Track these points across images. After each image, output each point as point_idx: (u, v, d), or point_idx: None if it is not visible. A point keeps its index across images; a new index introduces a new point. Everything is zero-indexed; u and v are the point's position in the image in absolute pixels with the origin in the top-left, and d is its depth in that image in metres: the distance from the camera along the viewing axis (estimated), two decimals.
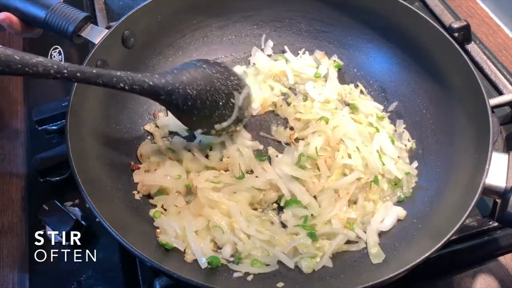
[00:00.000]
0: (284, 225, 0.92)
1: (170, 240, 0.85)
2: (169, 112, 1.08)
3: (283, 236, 0.88)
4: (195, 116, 0.89)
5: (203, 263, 0.82)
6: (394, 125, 1.04)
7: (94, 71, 0.75)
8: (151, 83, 0.81)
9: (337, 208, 0.90)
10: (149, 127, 1.05)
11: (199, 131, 0.93)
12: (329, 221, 0.89)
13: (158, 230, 0.87)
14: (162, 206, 0.92)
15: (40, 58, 0.70)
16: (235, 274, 0.83)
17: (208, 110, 0.90)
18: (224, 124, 0.93)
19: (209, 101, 0.89)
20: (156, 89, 0.82)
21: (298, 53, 1.16)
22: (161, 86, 0.83)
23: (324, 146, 0.97)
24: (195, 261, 0.84)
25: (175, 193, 0.93)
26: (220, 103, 0.91)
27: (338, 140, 0.97)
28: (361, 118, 1.03)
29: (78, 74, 0.73)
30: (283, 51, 1.17)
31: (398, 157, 0.98)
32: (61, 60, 1.21)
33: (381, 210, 0.91)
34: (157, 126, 1.06)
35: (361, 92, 1.10)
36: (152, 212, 0.91)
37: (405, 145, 1.00)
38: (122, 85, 0.78)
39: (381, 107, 1.07)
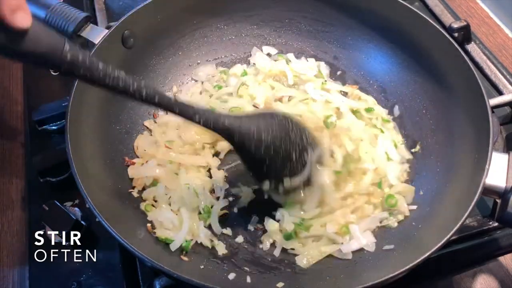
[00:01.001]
0: None
1: (169, 235, 0.86)
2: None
3: None
4: (265, 165, 0.83)
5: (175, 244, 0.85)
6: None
7: (172, 100, 0.74)
8: (226, 122, 0.78)
9: (339, 214, 0.90)
10: (148, 123, 1.05)
11: (267, 184, 0.86)
12: (324, 224, 0.89)
13: (148, 225, 0.88)
14: (153, 199, 0.93)
15: (122, 73, 0.69)
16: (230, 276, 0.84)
17: (280, 161, 0.83)
18: (295, 180, 0.85)
19: (282, 150, 0.82)
20: (231, 130, 0.79)
21: (300, 57, 1.16)
22: (236, 127, 0.79)
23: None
24: (195, 261, 0.85)
25: (164, 184, 0.94)
26: (293, 156, 0.83)
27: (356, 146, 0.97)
28: (365, 120, 1.03)
29: (156, 98, 0.71)
30: (283, 51, 1.17)
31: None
32: None
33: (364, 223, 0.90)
34: (155, 122, 1.06)
35: (362, 91, 1.10)
36: (143, 206, 0.91)
37: (410, 156, 0.99)
38: (197, 118, 0.75)
39: (386, 111, 1.07)
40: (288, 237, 0.88)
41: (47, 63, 0.64)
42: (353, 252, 0.87)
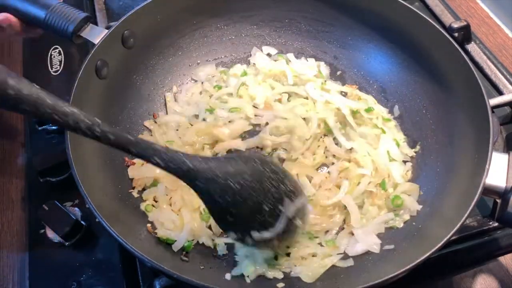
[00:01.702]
0: None
1: (170, 235, 0.86)
2: (169, 111, 1.08)
3: None
4: (231, 215, 0.75)
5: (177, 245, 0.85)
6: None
7: (130, 138, 0.68)
8: (190, 165, 0.71)
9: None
10: (148, 123, 1.05)
11: (232, 234, 0.78)
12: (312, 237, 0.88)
13: (149, 225, 0.88)
14: (154, 199, 0.93)
15: (74, 109, 0.64)
16: (234, 273, 0.84)
17: (248, 212, 0.74)
18: (265, 234, 0.76)
19: (252, 201, 0.74)
20: (194, 173, 0.71)
21: (300, 57, 1.16)
22: (201, 171, 0.71)
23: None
24: (196, 261, 0.85)
25: (164, 184, 0.94)
26: (266, 208, 0.74)
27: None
28: (367, 120, 1.03)
29: (111, 137, 0.67)
30: (283, 51, 1.17)
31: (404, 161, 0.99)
32: (61, 61, 1.22)
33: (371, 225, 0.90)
34: (155, 122, 1.06)
35: (361, 91, 1.10)
36: (143, 206, 0.91)
37: (413, 153, 0.99)
38: (156, 160, 0.69)
39: (386, 110, 1.07)
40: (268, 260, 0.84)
41: None
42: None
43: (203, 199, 0.76)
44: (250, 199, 0.74)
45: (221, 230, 0.90)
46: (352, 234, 0.89)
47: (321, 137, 1.02)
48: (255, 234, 0.76)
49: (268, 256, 0.85)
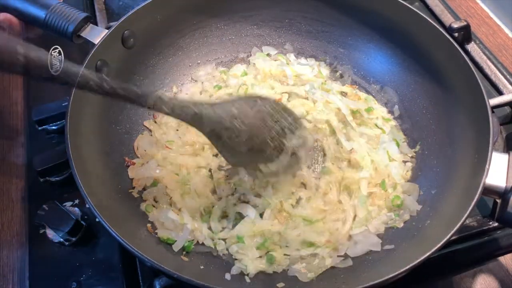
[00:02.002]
0: None
1: (171, 235, 0.86)
2: None
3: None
4: (239, 152, 0.80)
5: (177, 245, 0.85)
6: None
7: (137, 91, 0.72)
8: (196, 111, 0.75)
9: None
10: (148, 123, 1.05)
11: (242, 170, 0.86)
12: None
13: (149, 225, 0.88)
14: (154, 199, 0.93)
15: (82, 68, 0.69)
16: (233, 271, 0.84)
17: (255, 149, 0.80)
18: (272, 167, 0.83)
19: (257, 138, 0.79)
20: (202, 119, 0.76)
21: (300, 57, 1.16)
22: (207, 115, 0.76)
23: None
24: (196, 261, 0.85)
25: (164, 184, 0.94)
26: (270, 143, 0.80)
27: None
28: (366, 120, 1.03)
29: (121, 92, 0.70)
30: (283, 51, 1.17)
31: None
32: (61, 61, 1.22)
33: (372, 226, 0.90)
34: (155, 122, 1.06)
35: (361, 91, 1.10)
36: (143, 206, 0.91)
37: (413, 153, 0.99)
38: (165, 109, 0.73)
39: (386, 110, 1.07)
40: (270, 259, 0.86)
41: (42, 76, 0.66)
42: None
43: (211, 140, 0.80)
44: (255, 136, 0.79)
45: (220, 230, 0.91)
46: (352, 235, 0.89)
47: None
48: (263, 167, 0.82)
49: (259, 243, 0.86)
